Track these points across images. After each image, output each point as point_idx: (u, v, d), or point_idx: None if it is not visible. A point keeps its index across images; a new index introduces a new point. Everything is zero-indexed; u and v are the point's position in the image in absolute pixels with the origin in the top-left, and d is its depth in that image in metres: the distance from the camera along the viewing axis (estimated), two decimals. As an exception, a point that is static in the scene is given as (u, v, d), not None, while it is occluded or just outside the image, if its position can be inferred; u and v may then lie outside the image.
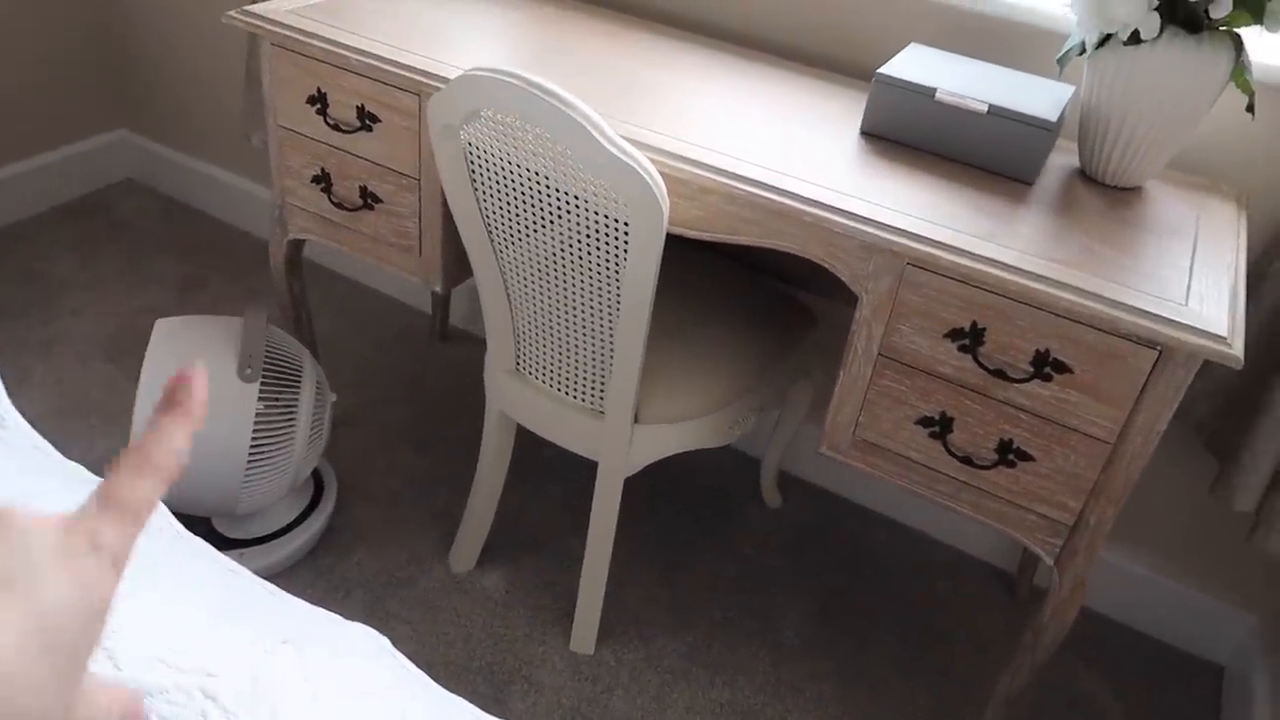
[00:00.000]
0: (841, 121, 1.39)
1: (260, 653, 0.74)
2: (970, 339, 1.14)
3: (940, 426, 1.21)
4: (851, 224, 1.13)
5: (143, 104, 2.57)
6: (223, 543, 1.62)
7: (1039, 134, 1.24)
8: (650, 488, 1.93)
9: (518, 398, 1.51)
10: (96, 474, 0.97)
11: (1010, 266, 1.08)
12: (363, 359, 2.16)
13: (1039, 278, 1.06)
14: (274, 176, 1.62)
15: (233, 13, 1.48)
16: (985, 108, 1.25)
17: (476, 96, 1.17)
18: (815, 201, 1.16)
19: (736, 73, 1.52)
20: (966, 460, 1.21)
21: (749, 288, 1.63)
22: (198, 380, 0.38)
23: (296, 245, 1.71)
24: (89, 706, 0.34)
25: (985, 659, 1.69)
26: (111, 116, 2.61)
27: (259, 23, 1.46)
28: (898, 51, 1.52)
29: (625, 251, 1.20)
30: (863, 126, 1.35)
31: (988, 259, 1.09)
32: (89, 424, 1.89)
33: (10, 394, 1.93)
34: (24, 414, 1.86)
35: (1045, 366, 1.11)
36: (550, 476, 1.91)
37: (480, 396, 2.10)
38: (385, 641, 0.84)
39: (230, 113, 2.40)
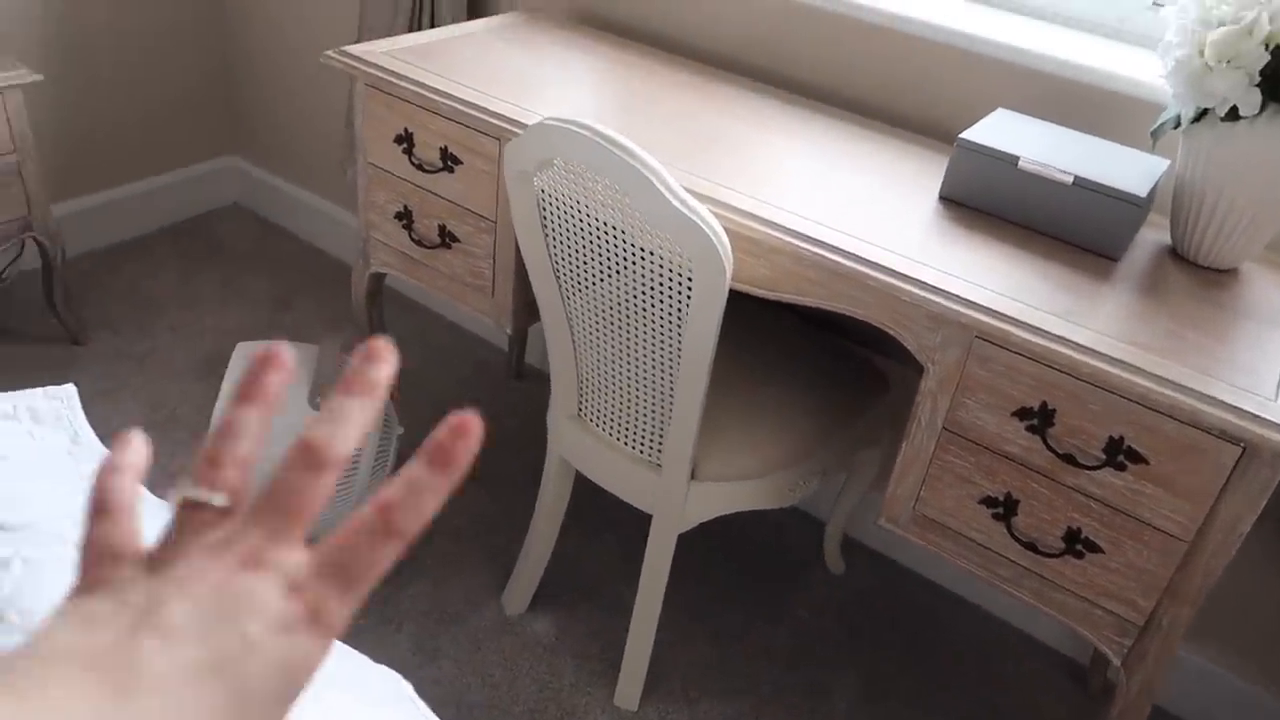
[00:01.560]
0: (920, 184, 1.36)
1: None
2: (1039, 420, 1.09)
3: (1004, 508, 1.16)
4: (919, 292, 1.10)
5: (253, 133, 2.69)
6: (284, 564, 1.65)
7: (1127, 209, 1.19)
8: (708, 542, 1.90)
9: (578, 443, 1.50)
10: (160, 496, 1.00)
11: (1085, 348, 1.03)
12: (437, 392, 2.20)
13: (1115, 361, 1.01)
14: (360, 211, 1.67)
15: (330, 52, 1.54)
16: (1071, 179, 1.21)
17: (549, 145, 1.19)
18: (883, 267, 1.13)
19: (818, 129, 1.50)
20: (1031, 546, 1.15)
21: (820, 347, 1.60)
22: (470, 440, 0.32)
23: (378, 278, 1.75)
24: None
25: (1049, 754, 1.59)
26: (224, 144, 2.74)
27: (354, 63, 1.52)
28: (983, 115, 1.48)
29: (688, 305, 1.19)
30: (941, 191, 1.32)
31: (1061, 338, 1.04)
32: (173, 439, 1.96)
33: (103, 403, 2.02)
34: (112, 423, 1.94)
35: (1119, 455, 1.05)
36: (608, 525, 1.90)
37: (540, 440, 2.10)
38: (407, 688, 0.83)
39: (331, 144, 2.49)
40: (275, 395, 0.34)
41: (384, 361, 0.34)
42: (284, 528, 0.32)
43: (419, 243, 1.59)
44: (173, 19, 2.46)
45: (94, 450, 1.05)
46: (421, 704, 0.82)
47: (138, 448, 0.35)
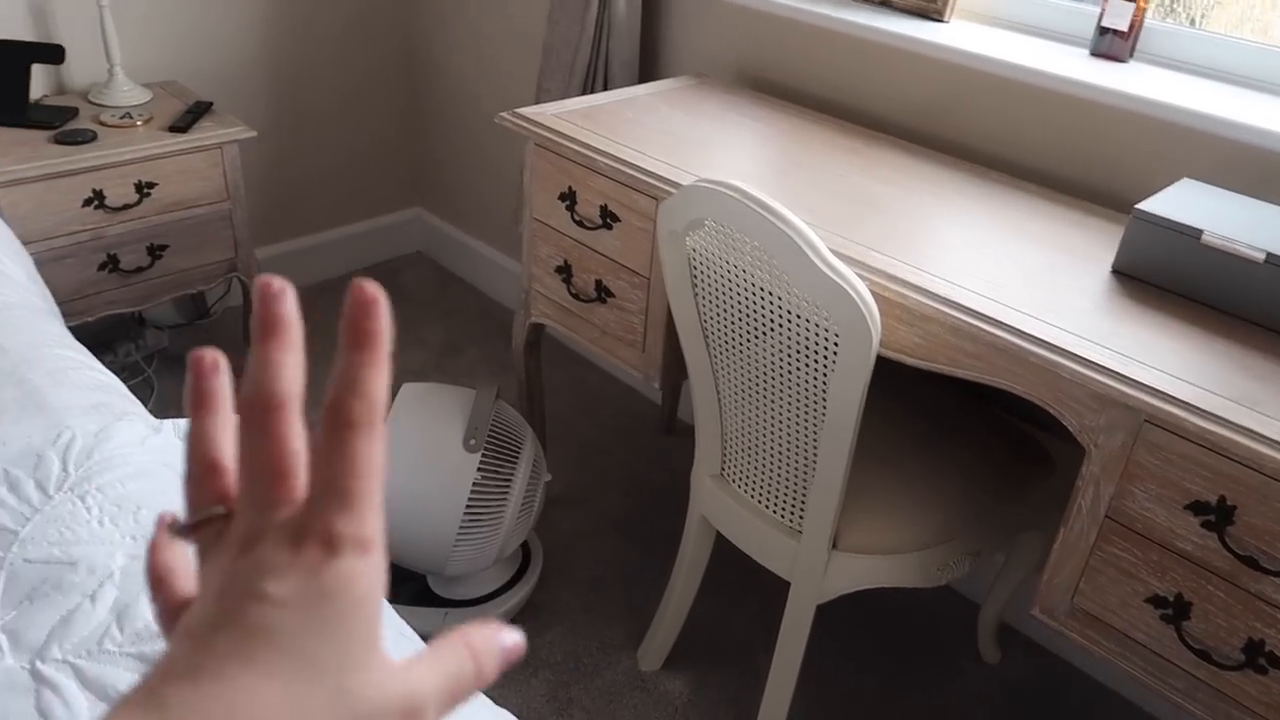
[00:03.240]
0: (1091, 256, 1.28)
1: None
2: (1217, 516, 0.99)
3: (1175, 610, 1.06)
4: (1083, 370, 1.04)
5: (436, 186, 2.86)
6: (434, 600, 1.72)
7: (1331, 290, 1.08)
8: (854, 615, 1.83)
9: (719, 504, 1.49)
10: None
11: (1272, 440, 0.93)
12: (588, 442, 2.24)
13: (1307, 457, 0.91)
14: (524, 263, 1.73)
15: (504, 114, 1.62)
16: (1263, 255, 1.11)
17: (700, 206, 1.20)
18: (1045, 341, 1.07)
19: (979, 195, 1.45)
20: (1204, 655, 1.04)
21: (979, 419, 1.53)
22: (375, 307, 0.31)
23: (537, 328, 1.81)
24: (379, 694, 0.29)
25: None
26: (409, 196, 2.92)
27: (524, 124, 1.59)
28: (1165, 185, 1.39)
29: (833, 370, 1.17)
30: (1115, 264, 1.24)
31: (1244, 428, 0.95)
32: (342, 469, 2.07)
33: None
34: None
35: (1311, 561, 0.94)
36: (750, 588, 1.86)
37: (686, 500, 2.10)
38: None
39: (506, 202, 2.61)
40: (223, 398, 0.33)
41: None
42: (269, 495, 0.31)
43: (576, 296, 1.64)
44: (368, 83, 2.66)
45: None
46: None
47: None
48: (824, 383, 1.20)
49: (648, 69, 2.09)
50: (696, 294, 1.32)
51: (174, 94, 2.18)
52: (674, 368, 1.58)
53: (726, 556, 1.92)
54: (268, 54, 2.42)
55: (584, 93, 2.05)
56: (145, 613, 0.82)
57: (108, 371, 1.25)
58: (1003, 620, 1.83)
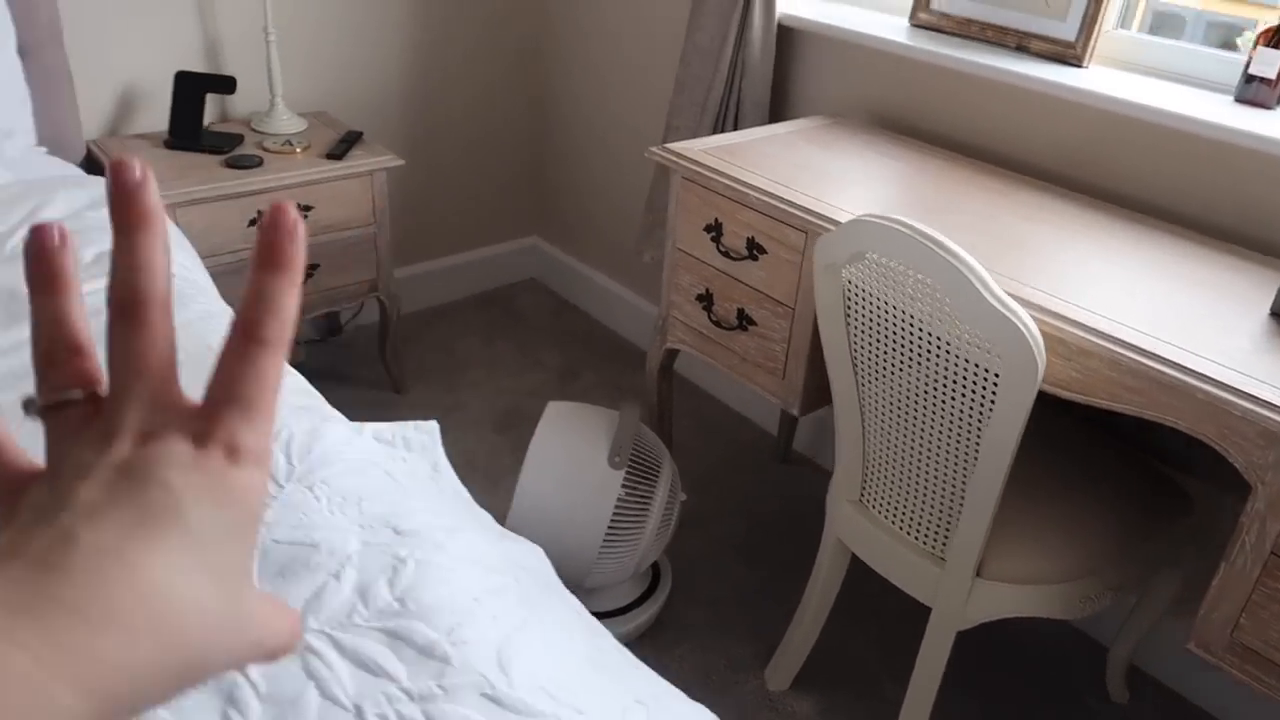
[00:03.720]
0: (1251, 300, 1.31)
1: (619, 707, 0.83)
2: (1392, 555, 1.01)
3: (1342, 648, 1.07)
4: (1254, 408, 1.06)
5: (554, 216, 2.97)
6: (563, 612, 1.78)
7: None
8: (980, 650, 1.84)
9: (857, 528, 1.53)
10: (500, 520, 1.13)
11: None
12: (707, 468, 2.29)
13: None
14: (664, 291, 1.81)
15: (654, 149, 1.70)
16: None
17: (864, 240, 1.26)
18: (1213, 379, 1.10)
19: (1126, 237, 1.48)
20: (1374, 694, 1.05)
21: (1116, 458, 1.54)
22: (295, 234, 0.31)
23: (671, 354, 1.88)
24: (260, 625, 0.30)
25: None
26: (528, 225, 3.04)
27: (674, 158, 1.67)
28: (1325, 230, 1.40)
29: (992, 402, 1.21)
30: (1274, 307, 1.26)
31: None
32: (471, 484, 2.16)
33: (416, 447, 2.27)
34: (425, 466, 2.18)
35: None
36: (873, 613, 1.89)
37: (812, 522, 2.14)
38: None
39: (623, 231, 2.70)
40: (73, 275, 0.32)
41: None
42: (162, 394, 0.31)
43: (717, 323, 1.70)
44: (495, 118, 2.79)
45: (450, 479, 1.20)
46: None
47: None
48: (980, 415, 1.24)
49: (778, 109, 2.16)
50: (849, 324, 1.37)
51: (325, 123, 2.33)
52: (813, 396, 1.63)
53: (848, 581, 1.95)
54: (407, 89, 2.56)
55: (715, 130, 2.12)
56: (384, 592, 0.90)
57: (299, 375, 1.35)
58: (1133, 662, 1.83)
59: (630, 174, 2.64)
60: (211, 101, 2.25)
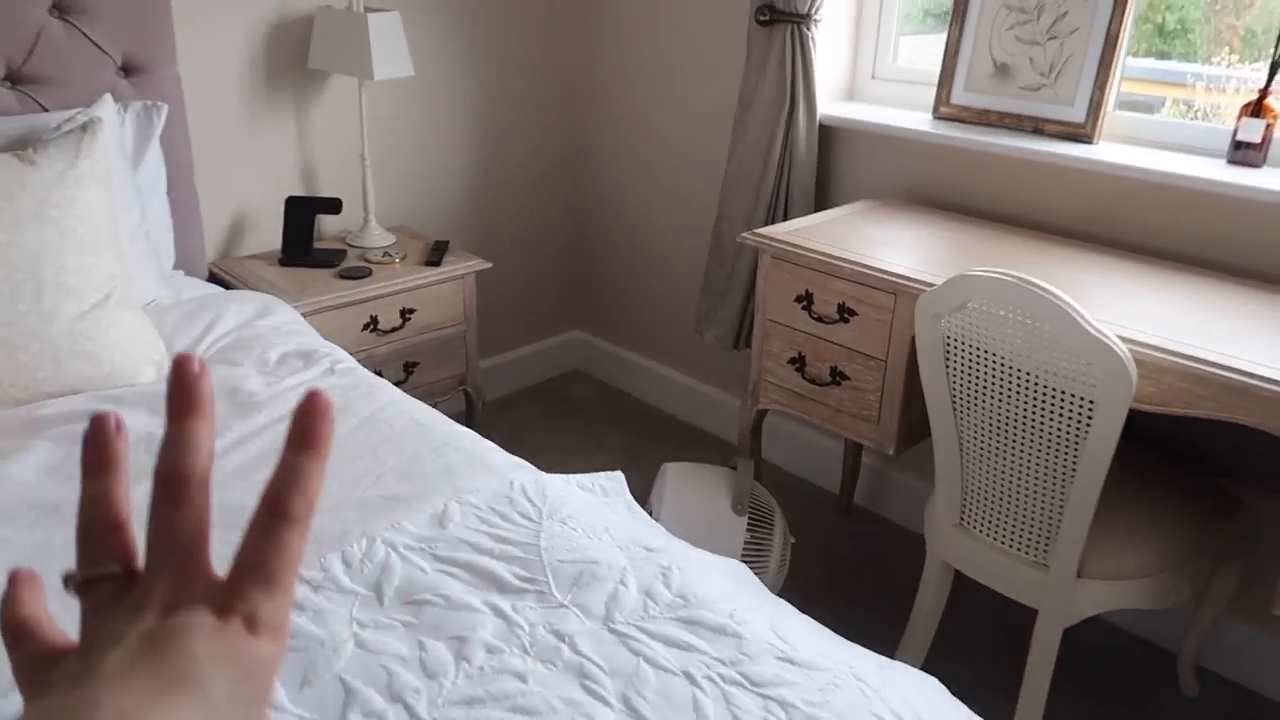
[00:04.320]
0: (1278, 319, 1.58)
1: (873, 665, 1.03)
2: None
3: None
4: (1311, 399, 1.32)
5: (596, 311, 3.21)
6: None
7: None
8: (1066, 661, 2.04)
9: (961, 548, 1.74)
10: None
11: None
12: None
13: None
14: (754, 358, 2.04)
15: (745, 234, 1.96)
16: None
17: (969, 291, 1.51)
18: (1275, 380, 1.35)
19: (1158, 280, 1.76)
20: None
21: (1170, 468, 1.79)
22: (328, 415, 0.34)
23: (761, 414, 2.11)
24: None
25: None
26: (572, 320, 3.28)
27: (765, 240, 1.93)
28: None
29: (1088, 421, 1.45)
30: (1303, 323, 1.54)
31: None
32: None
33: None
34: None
35: None
36: (970, 637, 2.08)
37: (888, 561, 2.34)
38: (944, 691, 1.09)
39: (667, 318, 2.95)
40: (123, 459, 0.35)
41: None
42: (190, 567, 0.33)
43: (811, 381, 1.94)
44: (546, 223, 3.05)
45: (642, 517, 1.40)
46: (961, 705, 1.07)
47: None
48: (1077, 434, 1.48)
49: (822, 197, 2.45)
50: (949, 367, 1.62)
51: (410, 235, 2.57)
52: (905, 436, 1.86)
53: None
54: (469, 200, 2.82)
55: (768, 219, 2.40)
56: (664, 592, 1.09)
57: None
58: (1199, 662, 2.03)
59: (673, 265, 2.90)
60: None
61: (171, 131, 2.05)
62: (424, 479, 1.34)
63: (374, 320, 2.25)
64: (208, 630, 0.31)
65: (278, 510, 0.33)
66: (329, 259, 2.31)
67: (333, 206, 2.33)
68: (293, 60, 2.35)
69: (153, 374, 1.62)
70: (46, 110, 1.88)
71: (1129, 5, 1.96)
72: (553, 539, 1.18)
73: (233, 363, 1.66)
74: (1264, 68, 1.86)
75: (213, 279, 2.25)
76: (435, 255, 2.38)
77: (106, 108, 1.82)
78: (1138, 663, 2.05)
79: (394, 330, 2.29)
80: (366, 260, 2.35)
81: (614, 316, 3.18)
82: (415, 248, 2.46)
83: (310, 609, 1.06)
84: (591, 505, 1.31)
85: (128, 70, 2.01)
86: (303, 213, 2.30)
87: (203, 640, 0.31)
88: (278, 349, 1.72)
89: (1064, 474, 1.53)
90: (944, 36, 2.24)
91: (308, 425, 0.33)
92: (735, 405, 2.82)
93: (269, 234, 2.42)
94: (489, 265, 2.42)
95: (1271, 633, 1.94)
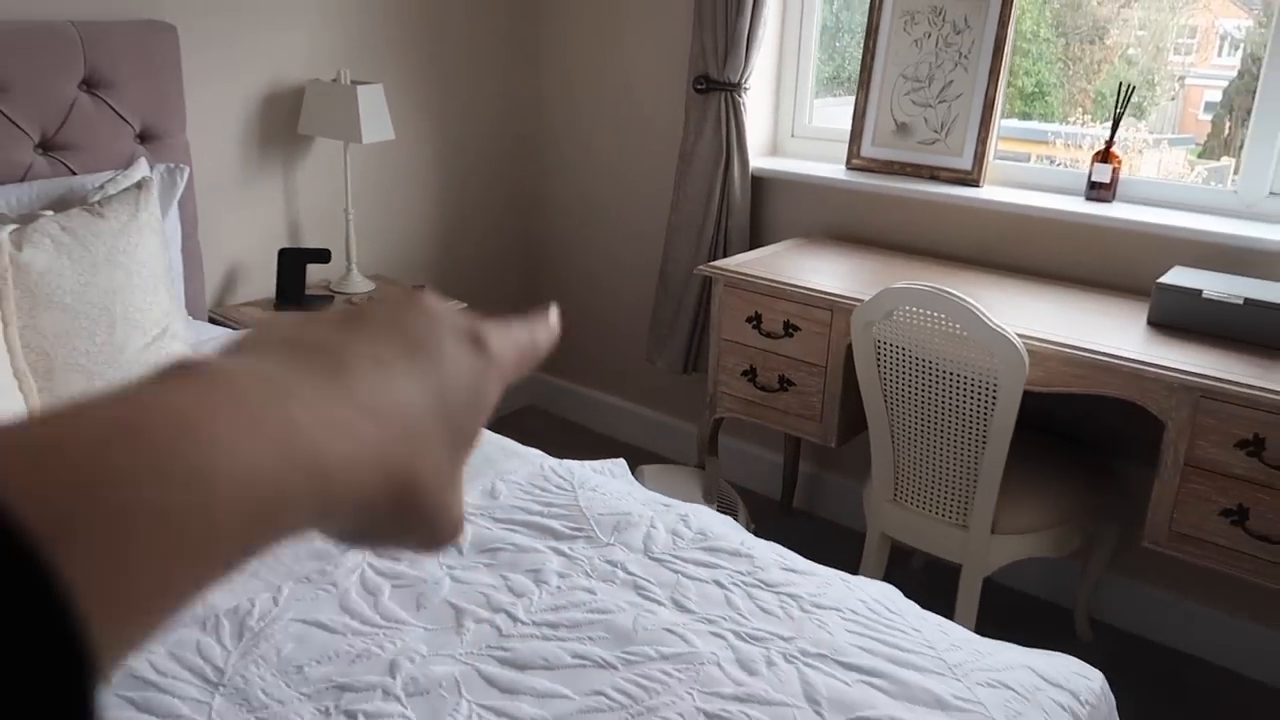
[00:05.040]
0: (1129, 318, 1.99)
1: (838, 578, 1.34)
2: (1254, 446, 1.65)
3: (1239, 515, 1.70)
4: (1161, 373, 1.71)
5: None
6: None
7: (1285, 316, 1.80)
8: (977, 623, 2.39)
9: (895, 519, 2.09)
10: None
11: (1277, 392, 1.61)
12: (731, 525, 2.80)
13: (1301, 397, 1.59)
14: (710, 373, 2.37)
15: (701, 266, 2.30)
16: (1242, 300, 1.83)
17: (894, 301, 1.88)
18: (1134, 359, 1.75)
19: (1034, 292, 2.17)
20: (1264, 539, 1.67)
21: (1056, 442, 2.18)
22: (556, 318, 0.40)
23: (718, 422, 2.43)
24: (455, 502, 0.33)
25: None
26: (525, 359, 3.55)
27: (720, 271, 2.28)
28: (1159, 273, 2.13)
29: (993, 401, 1.82)
30: (1149, 319, 1.95)
31: (1262, 388, 1.63)
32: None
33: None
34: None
35: (1315, 461, 1.60)
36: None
37: (829, 550, 2.66)
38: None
39: (614, 351, 3.26)
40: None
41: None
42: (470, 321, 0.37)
43: (763, 389, 2.27)
44: (499, 270, 3.35)
45: (643, 490, 1.69)
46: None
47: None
48: (985, 413, 1.85)
49: (755, 237, 2.82)
50: (879, 365, 1.98)
51: (386, 282, 2.83)
52: (844, 430, 2.21)
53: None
54: (435, 252, 3.10)
55: (710, 258, 2.75)
56: (687, 531, 1.39)
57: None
58: (1091, 615, 2.42)
59: (621, 304, 3.22)
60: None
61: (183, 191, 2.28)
62: (467, 466, 1.61)
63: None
64: (456, 323, 0.34)
65: (526, 327, 0.40)
66: (320, 304, 2.55)
67: (322, 256, 2.58)
68: (283, 126, 2.61)
69: (199, 399, 1.84)
70: (74, 173, 2.10)
71: (1002, 74, 2.41)
72: (589, 500, 1.47)
73: (270, 387, 1.90)
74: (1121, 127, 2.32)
75: (214, 323, 2.46)
76: (416, 297, 2.65)
77: (143, 169, 2.05)
78: (1042, 618, 2.43)
79: (383, 365, 2.53)
80: (352, 304, 2.59)
81: (566, 353, 3.47)
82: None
83: (405, 558, 1.32)
84: (608, 480, 1.60)
85: (144, 137, 2.25)
86: (295, 262, 2.54)
87: (448, 324, 0.34)
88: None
89: (976, 447, 1.89)
90: (851, 100, 2.65)
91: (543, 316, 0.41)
92: (685, 428, 3.14)
93: (260, 283, 2.64)
94: (464, 306, 2.70)
95: (1148, 583, 2.34)
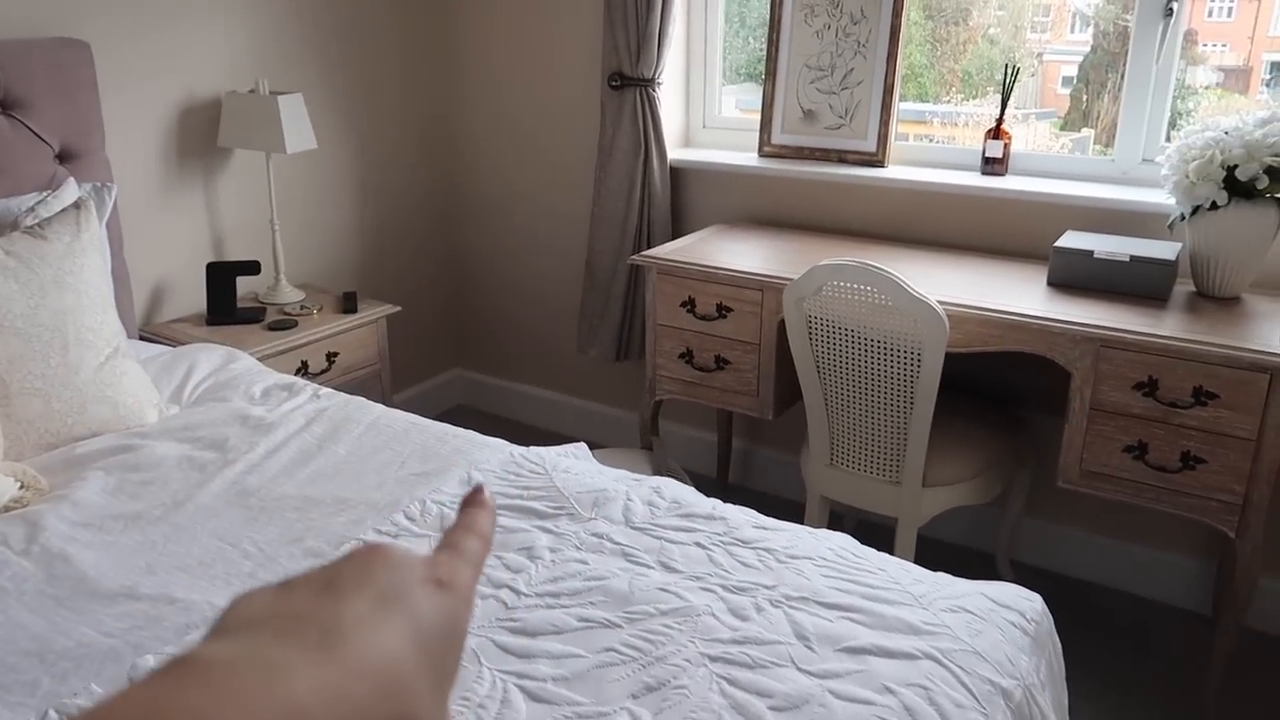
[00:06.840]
0: (1031, 281, 2.18)
1: (805, 532, 1.47)
2: (1149, 388, 1.85)
3: (1139, 450, 1.89)
4: (1065, 327, 1.90)
5: (475, 348, 3.55)
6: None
7: (1166, 270, 2.01)
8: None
9: (833, 481, 2.23)
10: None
11: (1169, 337, 1.81)
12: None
13: (1188, 340, 1.79)
14: (649, 358, 2.47)
15: (635, 256, 2.40)
16: (1128, 258, 2.03)
17: (822, 277, 2.01)
18: (1040, 316, 1.93)
19: (941, 261, 2.35)
20: (1161, 469, 1.87)
21: (976, 403, 2.37)
22: (488, 495, 0.43)
23: (658, 404, 2.53)
24: None
25: (1183, 673, 2.22)
26: (452, 360, 3.59)
27: (653, 260, 2.38)
28: (1053, 238, 2.33)
29: (918, 364, 1.98)
30: (1048, 280, 2.14)
31: (1153, 334, 1.82)
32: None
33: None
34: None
35: (1202, 397, 1.80)
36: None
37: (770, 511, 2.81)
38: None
39: (540, 346, 3.34)
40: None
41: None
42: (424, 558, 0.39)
43: (699, 369, 2.39)
44: (425, 275, 3.38)
45: (617, 473, 1.79)
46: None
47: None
48: (912, 375, 2.00)
49: (678, 226, 2.93)
50: (811, 339, 2.11)
51: (315, 290, 2.83)
52: (779, 403, 2.34)
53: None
54: (359, 258, 3.11)
55: (635, 248, 2.85)
56: (661, 502, 1.49)
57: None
58: (1011, 556, 2.62)
59: (546, 299, 3.30)
60: (219, 286, 2.69)
61: (108, 209, 2.25)
62: (441, 459, 1.67)
63: (305, 365, 2.51)
64: (418, 567, 0.36)
65: (470, 523, 0.41)
66: (253, 316, 2.55)
67: (252, 269, 2.57)
68: (203, 139, 2.59)
69: (154, 416, 1.85)
70: (-4, 197, 2.06)
71: (899, 61, 2.58)
72: (564, 480, 1.56)
73: (224, 399, 1.92)
74: (985, 103, 2.51)
75: (144, 341, 2.43)
76: (350, 304, 2.67)
77: (73, 189, 2.03)
78: (968, 564, 2.62)
79: (322, 372, 2.55)
80: (286, 314, 2.60)
81: (494, 351, 3.53)
82: (326, 300, 2.73)
83: (399, 549, 1.38)
84: (577, 462, 1.69)
85: (63, 157, 2.21)
86: (224, 276, 2.53)
87: (411, 570, 0.36)
88: (259, 385, 1.99)
89: (904, 409, 2.05)
90: (760, 89, 2.79)
91: (476, 498, 0.42)
92: (619, 415, 3.24)
93: (189, 299, 2.62)
94: (398, 309, 2.73)
95: (1061, 523, 2.56)
